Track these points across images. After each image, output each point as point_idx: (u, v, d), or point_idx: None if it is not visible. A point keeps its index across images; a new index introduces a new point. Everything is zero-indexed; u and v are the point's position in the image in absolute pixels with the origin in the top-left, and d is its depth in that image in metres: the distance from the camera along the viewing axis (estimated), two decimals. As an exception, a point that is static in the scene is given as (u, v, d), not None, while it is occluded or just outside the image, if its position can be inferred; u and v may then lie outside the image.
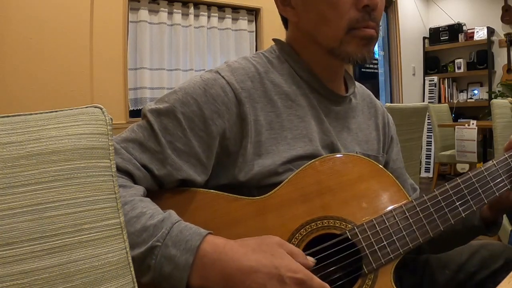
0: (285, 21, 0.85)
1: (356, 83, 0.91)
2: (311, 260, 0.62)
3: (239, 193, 0.71)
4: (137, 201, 0.63)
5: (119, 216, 0.51)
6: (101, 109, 0.53)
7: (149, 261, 0.59)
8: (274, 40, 0.86)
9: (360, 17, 0.73)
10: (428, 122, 4.53)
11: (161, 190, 0.71)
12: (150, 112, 0.70)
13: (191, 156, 0.69)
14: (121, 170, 0.67)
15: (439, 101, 5.39)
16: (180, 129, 0.69)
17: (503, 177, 0.77)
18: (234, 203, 0.70)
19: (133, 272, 0.51)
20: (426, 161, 5.25)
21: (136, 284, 0.51)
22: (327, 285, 0.60)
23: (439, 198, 0.73)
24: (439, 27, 5.35)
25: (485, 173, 0.76)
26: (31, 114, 0.48)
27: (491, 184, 0.76)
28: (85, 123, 0.50)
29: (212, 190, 0.71)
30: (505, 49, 4.98)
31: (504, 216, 0.98)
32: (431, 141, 5.01)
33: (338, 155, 0.77)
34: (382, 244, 0.69)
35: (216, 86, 0.71)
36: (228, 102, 0.71)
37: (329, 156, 0.75)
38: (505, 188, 0.77)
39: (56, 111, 0.50)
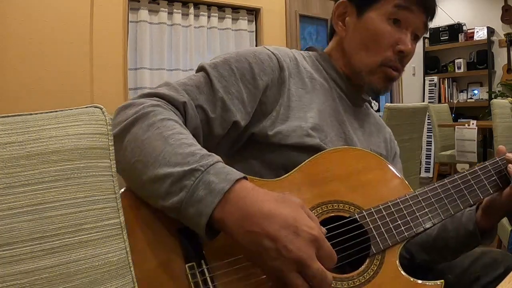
0: (331, 32, 0.97)
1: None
2: (323, 229, 0.63)
3: (261, 151, 0.80)
4: (191, 137, 0.68)
5: (119, 216, 0.51)
6: (101, 109, 0.53)
7: (185, 181, 0.60)
8: (309, 48, 0.98)
9: (393, 58, 0.86)
10: (428, 122, 4.53)
11: None
12: (208, 65, 0.80)
13: (239, 102, 0.79)
14: (178, 105, 0.73)
15: (439, 101, 5.38)
16: (234, 78, 0.79)
17: (496, 177, 0.82)
18: None
19: (133, 272, 0.51)
20: (426, 161, 5.26)
21: (136, 284, 0.51)
22: (334, 252, 0.61)
23: (439, 190, 0.79)
24: (439, 27, 5.35)
25: (479, 172, 0.82)
26: (31, 114, 0.48)
27: (485, 182, 0.81)
28: (85, 123, 0.50)
29: None
30: (505, 49, 4.98)
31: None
32: (431, 141, 5.01)
33: (346, 147, 0.84)
34: (388, 227, 0.73)
35: (263, 53, 0.84)
36: (273, 66, 0.83)
37: (338, 148, 0.82)
38: (496, 188, 0.81)
39: (56, 111, 0.50)
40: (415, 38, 0.89)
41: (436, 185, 0.80)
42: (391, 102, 4.98)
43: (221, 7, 3.78)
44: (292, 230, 0.58)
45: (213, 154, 0.66)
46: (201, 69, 0.81)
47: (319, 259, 0.58)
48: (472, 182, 0.81)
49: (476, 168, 0.82)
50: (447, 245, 0.88)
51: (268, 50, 0.85)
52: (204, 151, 0.65)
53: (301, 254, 0.57)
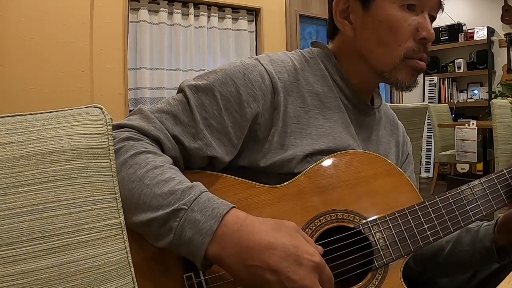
0: (331, 32, 0.85)
1: (382, 101, 0.93)
2: (319, 248, 0.63)
3: (255, 177, 0.72)
4: (167, 168, 0.64)
5: (119, 216, 0.51)
6: (101, 109, 0.53)
7: (171, 223, 0.58)
8: (314, 43, 0.87)
9: (416, 48, 0.75)
10: (428, 122, 4.52)
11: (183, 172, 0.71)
12: (188, 87, 0.72)
13: (222, 135, 0.71)
14: (152, 138, 0.68)
15: (439, 101, 5.38)
16: (216, 107, 0.71)
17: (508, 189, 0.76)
18: (251, 190, 0.71)
19: (133, 272, 0.51)
20: (426, 161, 5.25)
21: (136, 284, 0.51)
22: (332, 275, 0.61)
23: (451, 200, 0.74)
24: (439, 27, 5.34)
25: (496, 181, 0.77)
26: (31, 114, 0.48)
27: (501, 192, 0.76)
28: (85, 123, 0.50)
29: (231, 176, 0.72)
30: (505, 49, 4.97)
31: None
32: (431, 141, 5.01)
33: (355, 152, 0.78)
34: (394, 240, 0.70)
35: (255, 71, 0.73)
36: (265, 88, 0.73)
37: (347, 152, 0.77)
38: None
39: (56, 111, 0.50)
40: (431, 20, 0.78)
41: (448, 194, 0.75)
42: (391, 102, 4.98)
43: (221, 7, 3.78)
44: (294, 259, 0.57)
45: (195, 184, 0.63)
46: (181, 91, 0.73)
47: (320, 284, 0.58)
48: (487, 191, 0.75)
49: (493, 176, 0.77)
50: (461, 259, 0.82)
51: (262, 66, 0.75)
52: (185, 184, 0.62)
53: (306, 284, 0.56)
